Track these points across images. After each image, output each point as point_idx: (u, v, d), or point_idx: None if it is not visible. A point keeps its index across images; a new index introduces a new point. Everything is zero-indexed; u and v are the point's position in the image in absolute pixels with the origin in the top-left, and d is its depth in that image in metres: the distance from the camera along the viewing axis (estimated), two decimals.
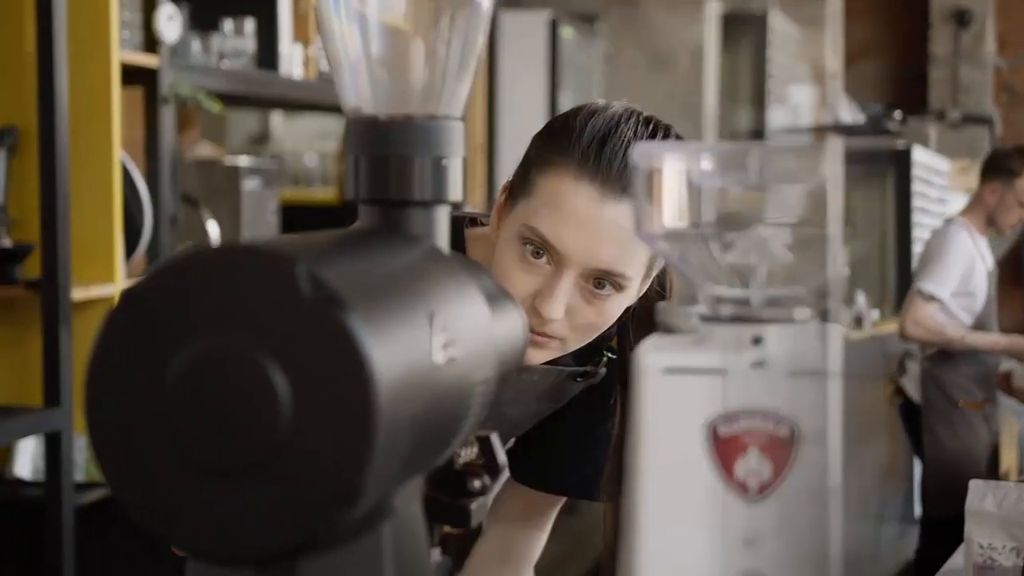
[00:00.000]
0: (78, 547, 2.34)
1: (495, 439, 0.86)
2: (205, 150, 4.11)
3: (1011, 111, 9.38)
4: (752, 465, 0.68)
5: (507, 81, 4.88)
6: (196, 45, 2.90)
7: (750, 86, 6.98)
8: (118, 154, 2.46)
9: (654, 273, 1.32)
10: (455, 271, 0.77)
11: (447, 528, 0.87)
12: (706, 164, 0.71)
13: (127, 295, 0.64)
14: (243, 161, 3.17)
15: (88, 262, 2.44)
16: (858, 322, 5.40)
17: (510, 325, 0.87)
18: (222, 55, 2.95)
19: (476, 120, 4.45)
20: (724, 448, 0.68)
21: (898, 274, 6.92)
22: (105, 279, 2.46)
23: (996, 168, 4.32)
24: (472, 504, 0.85)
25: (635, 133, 1.25)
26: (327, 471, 0.61)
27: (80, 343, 2.35)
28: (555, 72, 5.32)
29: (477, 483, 0.86)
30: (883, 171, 6.74)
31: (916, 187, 6.73)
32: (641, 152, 0.70)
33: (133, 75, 2.60)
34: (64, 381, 2.29)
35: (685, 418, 0.69)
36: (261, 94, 3.16)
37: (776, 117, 5.28)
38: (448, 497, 0.84)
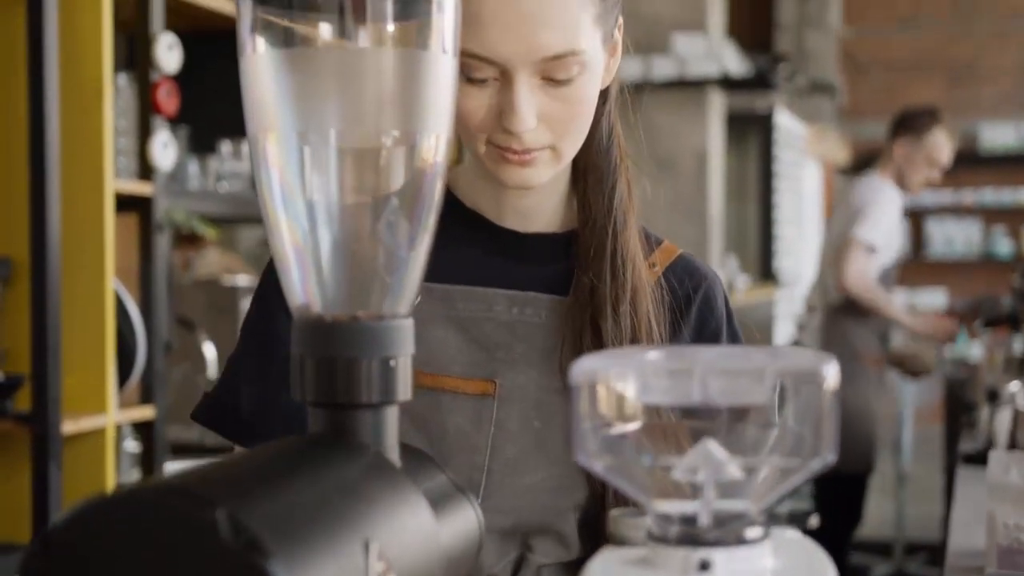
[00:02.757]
0: None
1: None
2: (213, 257, 4.11)
3: (855, 81, 9.47)
4: None
5: None
6: (194, 167, 2.91)
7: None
8: (111, 283, 2.45)
9: (614, 28, 1.19)
10: (399, 483, 0.74)
11: None
12: (648, 380, 0.69)
13: (44, 538, 0.62)
14: (242, 280, 3.17)
15: (80, 393, 2.43)
16: (729, 288, 5.45)
17: (461, 525, 0.84)
18: (219, 177, 2.96)
19: None
20: None
21: (760, 239, 6.89)
22: (97, 410, 2.45)
23: (905, 125, 4.35)
24: None
25: None
26: None
27: (70, 478, 2.33)
28: None
29: None
30: (746, 133, 6.75)
31: (776, 151, 6.75)
32: (580, 370, 0.69)
33: (128, 202, 2.61)
34: (54, 519, 2.26)
35: None
36: (258, 216, 3.17)
37: (661, 67, 5.27)
38: None
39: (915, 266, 9.73)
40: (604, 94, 1.23)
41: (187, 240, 3.74)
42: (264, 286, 1.29)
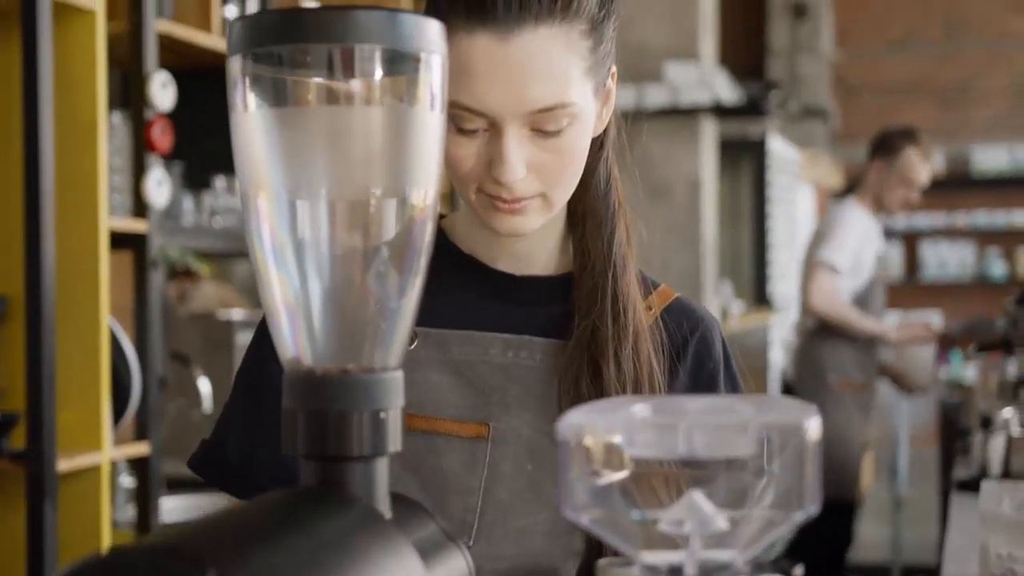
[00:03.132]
0: None
1: None
2: (209, 290, 4.12)
3: (847, 104, 9.55)
4: None
5: None
6: (188, 203, 2.93)
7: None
8: (106, 321, 2.46)
9: (606, 78, 1.19)
10: (389, 535, 0.75)
11: None
12: (634, 434, 0.70)
13: None
14: (237, 314, 3.18)
15: (75, 430, 2.43)
16: (723, 314, 5.48)
17: (450, 573, 0.85)
18: (214, 212, 2.98)
19: None
20: None
21: (754, 264, 6.91)
22: (92, 447, 2.45)
23: (879, 147, 4.39)
24: None
25: None
26: None
27: (66, 515, 2.33)
28: None
29: None
30: (739, 159, 6.79)
31: (769, 176, 6.79)
32: (567, 424, 0.70)
33: (123, 239, 2.62)
34: (48, 558, 2.27)
35: None
36: None
37: (653, 95, 5.31)
38: None
39: (910, 289, 9.76)
40: (601, 140, 1.24)
41: (183, 272, 3.75)
42: (259, 335, 1.30)
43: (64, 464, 2.37)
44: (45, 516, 2.30)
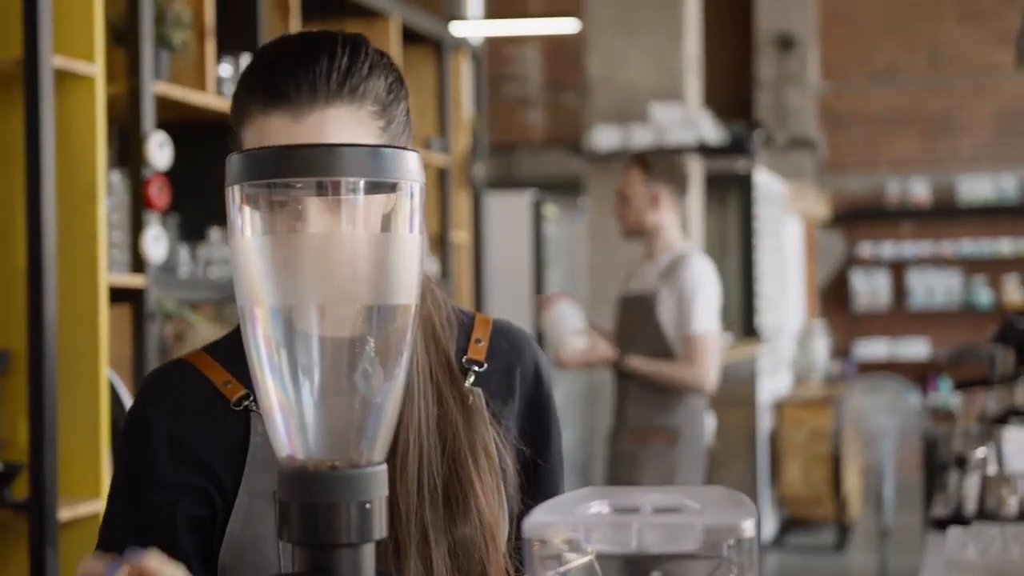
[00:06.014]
0: None
1: None
2: (205, 333, 4.17)
3: (835, 135, 9.68)
4: None
5: (494, 262, 4.97)
6: (185, 255, 3.01)
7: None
8: (105, 373, 2.55)
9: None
10: None
11: None
12: (592, 532, 0.78)
13: None
14: None
15: (76, 480, 2.51)
16: None
17: None
18: (209, 263, 3.07)
19: (463, 302, 4.54)
20: None
21: (742, 296, 6.98)
22: (93, 496, 2.53)
23: None
24: None
25: (305, 42, 1.21)
26: None
27: (68, 564, 2.41)
28: (540, 249, 5.47)
29: None
30: (725, 193, 6.86)
31: (756, 209, 6.88)
32: (531, 524, 0.78)
33: (121, 294, 2.71)
34: None
35: None
36: None
37: (639, 135, 5.35)
38: None
39: (897, 316, 9.85)
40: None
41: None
42: (135, 442, 1.35)
43: (66, 513, 2.45)
44: (47, 563, 2.38)
